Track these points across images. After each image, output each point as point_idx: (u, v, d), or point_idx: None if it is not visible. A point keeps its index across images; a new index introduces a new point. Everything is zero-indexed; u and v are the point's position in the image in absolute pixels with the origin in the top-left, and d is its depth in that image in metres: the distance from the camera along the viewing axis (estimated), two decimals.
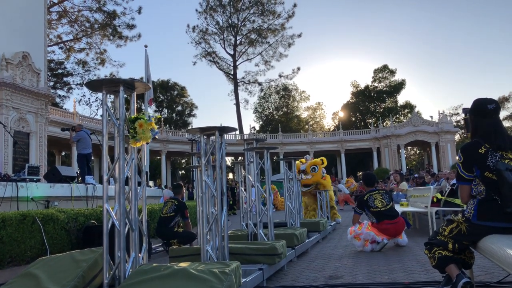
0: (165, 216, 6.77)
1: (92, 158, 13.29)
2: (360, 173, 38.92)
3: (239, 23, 47.06)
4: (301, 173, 10.11)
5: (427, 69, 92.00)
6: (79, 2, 32.43)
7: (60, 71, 38.10)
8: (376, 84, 52.72)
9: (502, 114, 51.76)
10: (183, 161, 49.38)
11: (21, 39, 13.86)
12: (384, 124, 44.25)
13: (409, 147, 48.68)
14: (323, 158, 10.85)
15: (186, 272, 2.63)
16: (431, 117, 41.24)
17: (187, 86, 59.58)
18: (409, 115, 46.70)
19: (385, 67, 52.47)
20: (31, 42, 14.23)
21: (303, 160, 10.76)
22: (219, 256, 3.60)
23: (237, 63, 48.38)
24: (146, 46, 15.25)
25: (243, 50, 48.39)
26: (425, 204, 7.52)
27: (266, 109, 55.60)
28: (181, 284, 2.53)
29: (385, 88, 52.06)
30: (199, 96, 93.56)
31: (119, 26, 34.44)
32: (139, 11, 34.34)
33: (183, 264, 2.88)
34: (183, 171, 51.55)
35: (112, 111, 2.94)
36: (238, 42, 47.91)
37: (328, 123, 58.45)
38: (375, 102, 52.80)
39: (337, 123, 49.07)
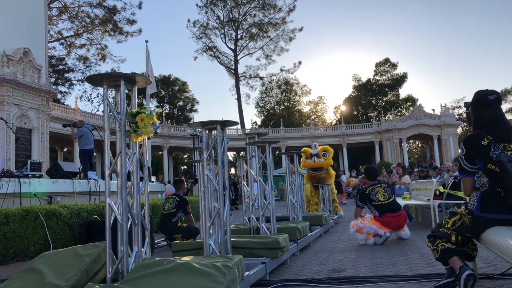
0: (167, 212, 6.78)
1: (94, 153, 13.31)
2: (362, 166, 38.90)
3: (240, 17, 46.87)
4: (313, 156, 10.13)
5: (429, 62, 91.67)
6: None
7: (61, 67, 38.04)
8: (377, 78, 52.52)
9: (504, 106, 51.57)
10: (185, 156, 49.43)
11: (22, 36, 13.85)
12: (386, 117, 44.10)
13: (411, 141, 48.57)
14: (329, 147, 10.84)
15: (189, 266, 2.63)
16: (433, 110, 41.08)
17: (188, 81, 59.62)
18: (411, 108, 46.55)
19: (386, 60, 52.23)
20: (32, 38, 14.22)
21: (308, 149, 10.75)
22: (222, 250, 3.61)
23: (238, 57, 48.24)
24: (147, 42, 15.16)
25: (244, 44, 48.23)
26: (427, 197, 7.52)
27: (268, 103, 55.50)
28: (184, 278, 2.53)
29: (386, 82, 51.86)
30: (200, 91, 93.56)
31: (119, 21, 34.40)
32: (140, 6, 34.24)
33: (186, 258, 2.89)
34: (185, 166, 51.62)
35: (113, 106, 2.94)
36: (239, 36, 47.72)
37: (330, 117, 58.42)
38: (376, 95, 52.63)
39: (339, 117, 49.03)
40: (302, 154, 10.54)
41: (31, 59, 14.00)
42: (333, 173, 10.86)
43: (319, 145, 11.18)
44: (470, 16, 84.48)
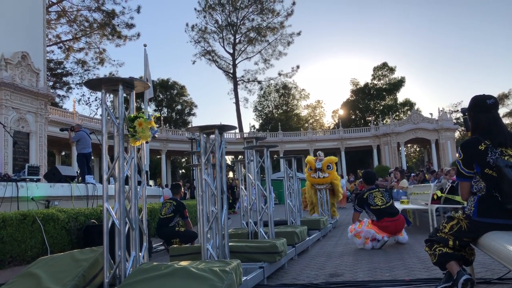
0: (165, 216, 6.76)
1: (92, 157, 13.28)
2: (360, 170, 38.88)
3: (238, 21, 46.97)
4: (318, 171, 10.14)
5: (427, 67, 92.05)
6: (78, 2, 32.45)
7: (59, 71, 38.04)
8: (375, 82, 52.65)
9: (502, 111, 51.78)
10: (183, 160, 49.38)
11: (20, 39, 13.85)
12: (384, 121, 44.17)
13: (409, 145, 48.66)
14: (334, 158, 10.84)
15: (186, 271, 2.63)
16: (431, 114, 41.23)
17: (186, 85, 59.41)
18: (408, 112, 46.63)
19: (384, 64, 52.41)
20: (30, 42, 14.22)
21: (312, 158, 10.72)
22: (220, 255, 3.60)
23: (237, 61, 48.33)
24: (145, 45, 15.21)
25: (243, 48, 48.34)
26: (425, 201, 7.52)
27: (266, 107, 55.56)
28: (182, 283, 2.53)
29: (384, 86, 51.98)
30: (198, 95, 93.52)
31: (118, 25, 34.45)
32: (138, 10, 34.33)
33: (183, 263, 2.88)
34: (183, 170, 51.56)
35: (112, 110, 2.94)
36: (237, 40, 47.84)
37: (328, 121, 58.47)
38: (374, 99, 52.73)
39: (337, 121, 49.04)
40: (306, 163, 10.59)
41: (29, 62, 13.99)
42: (338, 182, 10.88)
43: (322, 153, 11.21)
44: (468, 21, 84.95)
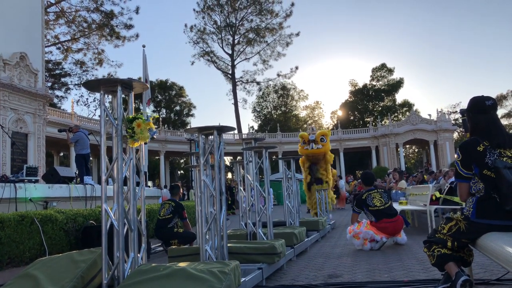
0: (163, 218, 6.76)
1: (91, 158, 13.27)
2: (359, 172, 38.90)
3: (237, 22, 47.01)
4: (311, 142, 9.92)
5: (425, 68, 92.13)
6: (77, 2, 32.44)
7: (57, 71, 38.02)
8: (374, 83, 52.74)
9: (500, 112, 51.85)
10: (182, 161, 49.35)
11: (19, 40, 13.85)
12: (383, 122, 44.20)
13: (407, 146, 48.71)
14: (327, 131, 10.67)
15: (185, 272, 2.63)
16: (430, 115, 41.29)
17: (185, 85, 59.57)
18: (407, 113, 46.69)
19: (383, 65, 52.48)
20: (28, 43, 14.21)
21: (305, 134, 10.54)
22: (218, 256, 3.60)
23: (235, 62, 48.37)
24: (144, 46, 15.17)
25: (241, 49, 48.36)
26: (424, 202, 7.53)
27: (265, 108, 55.58)
28: (180, 284, 2.53)
29: (383, 87, 52.07)
30: (197, 95, 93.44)
31: (116, 26, 34.49)
32: (137, 11, 34.34)
33: (182, 264, 2.88)
34: (182, 171, 51.52)
35: (110, 111, 2.94)
36: (236, 41, 47.86)
37: (327, 122, 58.50)
38: (373, 101, 52.81)
39: (335, 122, 49.08)
40: (300, 138, 10.41)
41: (27, 63, 13.98)
42: (330, 156, 10.65)
43: (315, 127, 11.10)
44: (466, 22, 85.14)
